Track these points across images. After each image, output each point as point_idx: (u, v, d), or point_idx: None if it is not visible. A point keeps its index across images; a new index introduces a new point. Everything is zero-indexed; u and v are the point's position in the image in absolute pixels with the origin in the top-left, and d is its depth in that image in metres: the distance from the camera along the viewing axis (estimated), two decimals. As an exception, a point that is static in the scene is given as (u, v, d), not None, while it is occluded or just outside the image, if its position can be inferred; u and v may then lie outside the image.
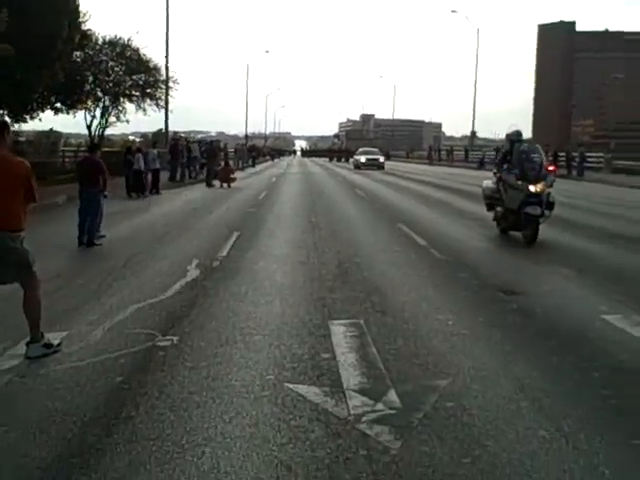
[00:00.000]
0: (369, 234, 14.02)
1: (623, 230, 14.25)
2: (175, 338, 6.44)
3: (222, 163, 31.94)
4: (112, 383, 5.31)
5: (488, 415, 4.57)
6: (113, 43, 34.27)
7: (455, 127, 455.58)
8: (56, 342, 6.21)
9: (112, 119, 35.35)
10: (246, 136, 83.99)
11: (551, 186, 12.53)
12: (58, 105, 30.51)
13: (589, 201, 22.72)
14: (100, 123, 34.84)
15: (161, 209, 20.29)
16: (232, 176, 30.22)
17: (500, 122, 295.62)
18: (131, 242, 13.14)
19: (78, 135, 46.12)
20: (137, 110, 35.70)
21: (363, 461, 3.96)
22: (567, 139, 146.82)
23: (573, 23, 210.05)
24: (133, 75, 35.06)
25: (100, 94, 34.15)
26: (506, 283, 8.82)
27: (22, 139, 37.46)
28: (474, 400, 4.82)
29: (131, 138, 78.36)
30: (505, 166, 13.08)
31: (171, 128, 40.26)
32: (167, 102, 35.93)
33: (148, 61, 35.49)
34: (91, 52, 32.97)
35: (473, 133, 77.02)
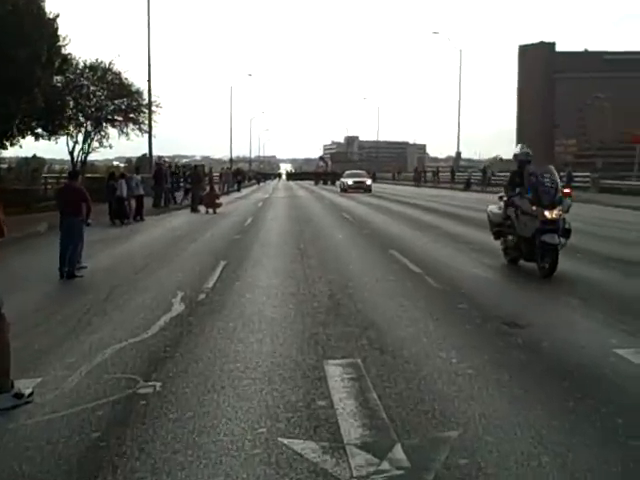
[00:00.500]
0: (361, 262, 13.56)
1: (622, 254, 13.86)
2: (158, 384, 5.94)
3: (207, 188, 31.45)
4: (88, 440, 4.80)
5: (508, 475, 4.10)
6: (94, 67, 33.81)
7: (439, 148, 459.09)
8: (27, 391, 5.70)
9: (95, 144, 34.90)
10: (231, 160, 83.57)
11: (567, 211, 11.50)
12: (39, 131, 29.97)
13: (583, 223, 22.29)
14: (82, 149, 34.34)
15: (145, 237, 19.79)
16: (217, 201, 29.77)
17: (483, 143, 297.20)
18: (113, 273, 12.64)
19: (62, 161, 45.54)
20: (120, 135, 35.28)
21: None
22: (551, 159, 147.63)
23: (553, 44, 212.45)
24: (115, 100, 34.63)
25: (82, 119, 33.63)
26: (508, 314, 8.37)
27: (3, 166, 36.96)
28: (489, 456, 4.34)
29: (115, 163, 77.96)
30: (517, 190, 11.95)
31: (156, 153, 39.81)
32: (150, 126, 35.50)
33: (130, 85, 35.19)
34: (72, 76, 32.47)
35: (458, 154, 77.09)
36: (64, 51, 29.23)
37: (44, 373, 6.45)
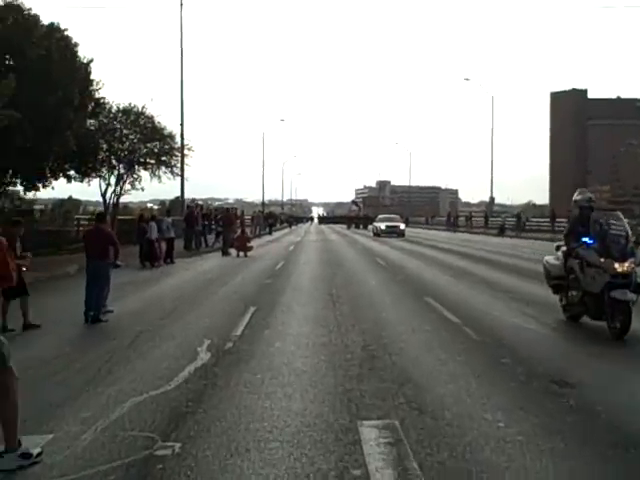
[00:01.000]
0: (395, 310, 13.01)
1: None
2: (177, 445, 5.46)
3: (238, 231, 31.24)
4: (96, 510, 4.33)
5: None
6: (127, 111, 34.04)
7: (471, 193, 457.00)
8: (36, 451, 5.25)
9: (127, 187, 34.96)
10: (263, 203, 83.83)
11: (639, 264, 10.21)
12: (71, 173, 30.11)
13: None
14: (115, 191, 34.40)
15: (174, 280, 19.46)
16: (249, 244, 29.47)
17: (515, 188, 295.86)
18: (139, 318, 12.27)
19: (97, 203, 45.87)
20: (152, 178, 35.31)
21: None
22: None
23: (585, 91, 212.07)
24: (148, 143, 34.73)
25: (114, 162, 33.78)
26: (556, 371, 7.76)
27: (37, 207, 37.26)
28: None
29: (149, 206, 78.66)
30: (584, 239, 10.67)
31: (189, 196, 39.88)
32: (182, 170, 35.58)
33: (163, 129, 35.29)
34: (105, 120, 32.72)
35: (492, 199, 76.39)
36: (97, 95, 29.54)
37: (57, 428, 6.02)
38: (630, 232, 10.46)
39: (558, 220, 50.67)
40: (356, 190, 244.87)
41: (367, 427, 5.80)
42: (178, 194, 37.75)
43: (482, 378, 7.52)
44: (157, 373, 7.96)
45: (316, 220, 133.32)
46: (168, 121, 37.93)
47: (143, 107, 34.56)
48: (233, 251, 29.18)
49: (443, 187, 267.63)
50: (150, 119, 34.71)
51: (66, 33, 25.90)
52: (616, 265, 9.88)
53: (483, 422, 5.93)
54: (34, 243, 20.36)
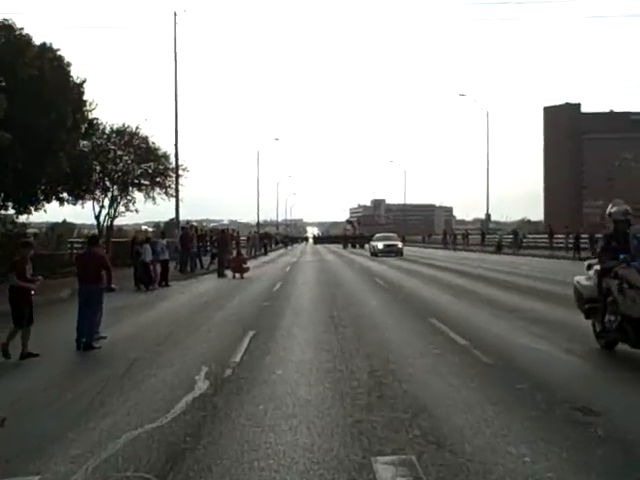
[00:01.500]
0: (399, 331, 12.56)
1: None
2: (175, 488, 4.99)
3: (234, 252, 30.78)
4: None
5: None
6: (121, 131, 33.64)
7: (465, 210, 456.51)
8: (20, 497, 4.78)
9: (121, 209, 34.47)
10: (258, 224, 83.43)
11: None
12: (64, 195, 29.64)
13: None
14: (109, 213, 33.91)
15: (169, 304, 19.00)
16: (245, 266, 29.02)
17: (509, 204, 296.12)
18: (134, 344, 11.82)
19: (91, 226, 45.40)
20: (146, 199, 34.85)
21: None
22: (580, 221, 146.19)
23: (578, 105, 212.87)
24: (142, 163, 34.32)
25: (108, 184, 33.33)
26: (577, 397, 7.30)
27: (30, 231, 36.73)
28: None
29: (144, 228, 78.20)
30: (622, 256, 9.46)
31: (184, 217, 39.37)
32: (177, 191, 35.09)
33: (157, 149, 34.85)
34: (98, 141, 32.29)
35: (488, 216, 75.91)
36: (90, 115, 29.09)
37: (44, 468, 5.57)
38: None
39: (556, 236, 50.44)
40: (351, 209, 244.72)
41: (382, 464, 5.34)
42: (172, 215, 37.23)
43: (499, 406, 7.06)
44: (153, 404, 7.49)
45: (311, 240, 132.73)
46: (162, 141, 37.42)
47: (137, 127, 34.25)
48: (229, 272, 28.71)
49: (438, 204, 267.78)
50: (144, 139, 34.35)
51: (59, 53, 25.53)
52: None
53: (507, 457, 5.47)
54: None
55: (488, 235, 66.14)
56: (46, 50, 25.00)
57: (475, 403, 7.19)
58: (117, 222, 39.46)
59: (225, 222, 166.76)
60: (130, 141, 33.80)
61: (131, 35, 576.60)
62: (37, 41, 25.00)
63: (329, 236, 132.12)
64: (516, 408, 6.99)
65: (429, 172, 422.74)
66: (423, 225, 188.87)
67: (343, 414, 6.85)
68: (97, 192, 32.66)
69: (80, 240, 36.25)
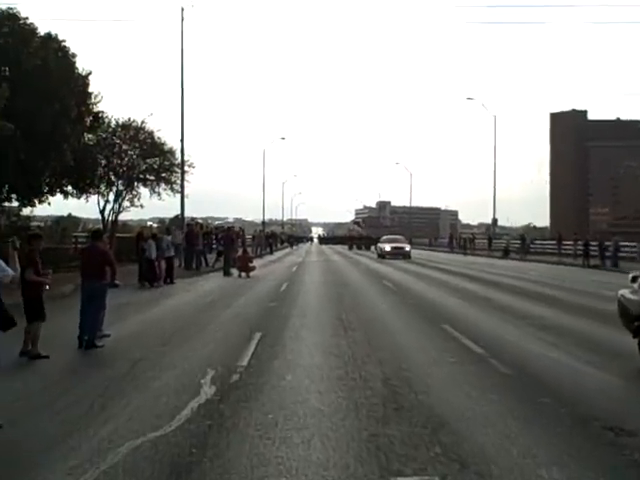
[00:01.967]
0: (411, 337, 12.16)
1: None
2: (179, 507, 4.61)
3: (240, 250, 30.37)
4: None
5: None
6: (126, 126, 33.12)
7: (471, 214, 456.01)
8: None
9: (126, 204, 34.03)
10: (263, 222, 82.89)
11: None
12: (69, 189, 29.23)
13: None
14: (113, 208, 33.47)
15: (174, 302, 18.61)
16: (251, 264, 28.62)
17: (514, 209, 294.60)
18: (137, 343, 11.45)
19: (97, 220, 45.12)
20: (151, 195, 34.37)
21: None
22: (586, 227, 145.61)
23: (585, 112, 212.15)
24: (147, 159, 33.82)
25: (113, 178, 32.89)
26: (606, 414, 6.89)
27: (38, 224, 36.37)
28: None
29: (149, 224, 77.90)
30: None
31: (189, 214, 38.90)
32: (183, 186, 34.64)
33: (163, 144, 34.39)
34: (103, 135, 31.83)
35: (494, 220, 75.32)
36: (96, 108, 28.62)
37: (38, 482, 5.17)
38: None
39: (565, 243, 49.90)
40: (356, 210, 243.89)
41: (403, 485, 4.95)
42: (178, 212, 36.77)
43: (523, 422, 6.65)
44: (156, 410, 7.11)
45: (316, 240, 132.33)
46: (168, 136, 36.80)
47: (143, 122, 33.72)
48: (235, 271, 28.33)
49: (443, 208, 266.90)
50: (150, 134, 33.85)
51: (64, 44, 25.12)
52: None
53: (538, 480, 5.07)
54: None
55: (495, 240, 65.61)
56: (51, 40, 24.60)
57: (496, 417, 6.79)
58: (122, 217, 39.09)
59: (230, 220, 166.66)
60: (136, 136, 33.32)
61: (138, 29, 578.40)
62: (42, 31, 24.67)
63: (334, 237, 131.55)
64: (541, 424, 6.58)
65: (434, 175, 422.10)
66: (428, 228, 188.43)
67: (358, 427, 6.46)
68: (102, 186, 32.23)
69: (85, 234, 35.82)
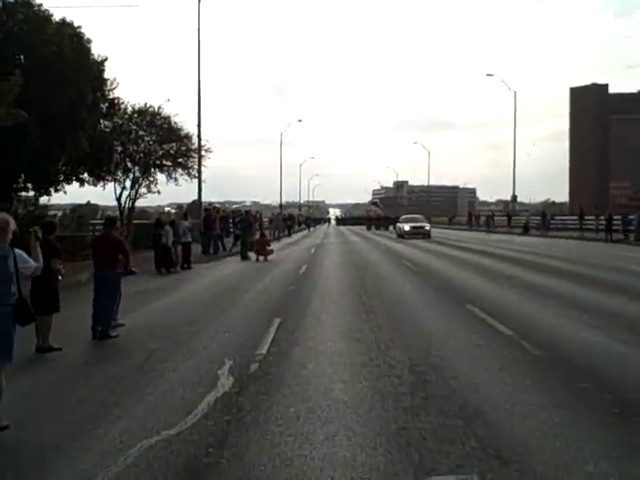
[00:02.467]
0: (437, 320, 11.66)
1: None
2: (195, 516, 4.20)
3: (257, 234, 29.96)
4: None
5: None
6: (142, 112, 32.68)
7: (489, 191, 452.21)
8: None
9: (143, 190, 33.67)
10: (280, 205, 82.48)
11: None
12: (85, 176, 28.90)
13: None
14: (130, 195, 33.14)
15: (191, 287, 18.24)
16: (269, 248, 28.21)
17: (533, 185, 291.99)
18: (153, 332, 11.04)
19: (115, 208, 45.07)
20: (168, 180, 33.99)
21: None
22: (606, 202, 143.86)
23: (606, 85, 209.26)
24: (164, 144, 33.41)
25: (130, 164, 32.54)
26: (654, 400, 6.40)
27: (55, 212, 36.17)
28: None
29: (167, 209, 77.77)
30: None
31: (206, 198, 38.46)
32: (200, 172, 34.20)
33: (179, 129, 33.91)
34: (120, 121, 31.47)
35: (514, 197, 74.37)
36: (111, 95, 28.30)
37: (45, 486, 4.80)
38: None
39: (587, 218, 49.04)
40: (373, 191, 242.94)
41: (439, 486, 4.51)
42: (195, 197, 36.34)
43: (565, 410, 6.17)
44: (171, 405, 6.71)
45: (334, 221, 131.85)
46: (185, 121, 36.27)
47: (159, 107, 33.31)
48: (252, 255, 27.95)
49: (461, 186, 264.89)
50: (166, 120, 33.42)
51: (79, 30, 24.71)
52: None
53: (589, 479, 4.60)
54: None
55: (514, 216, 64.78)
56: (65, 26, 24.18)
57: (535, 406, 6.31)
58: (139, 203, 38.74)
59: (247, 203, 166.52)
60: (152, 121, 32.92)
61: (154, 14, 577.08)
62: (57, 17, 24.28)
63: (352, 217, 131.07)
64: (584, 413, 6.10)
65: (452, 153, 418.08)
66: (445, 206, 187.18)
67: (386, 419, 6.02)
68: (118, 173, 31.89)
69: (102, 222, 35.57)
